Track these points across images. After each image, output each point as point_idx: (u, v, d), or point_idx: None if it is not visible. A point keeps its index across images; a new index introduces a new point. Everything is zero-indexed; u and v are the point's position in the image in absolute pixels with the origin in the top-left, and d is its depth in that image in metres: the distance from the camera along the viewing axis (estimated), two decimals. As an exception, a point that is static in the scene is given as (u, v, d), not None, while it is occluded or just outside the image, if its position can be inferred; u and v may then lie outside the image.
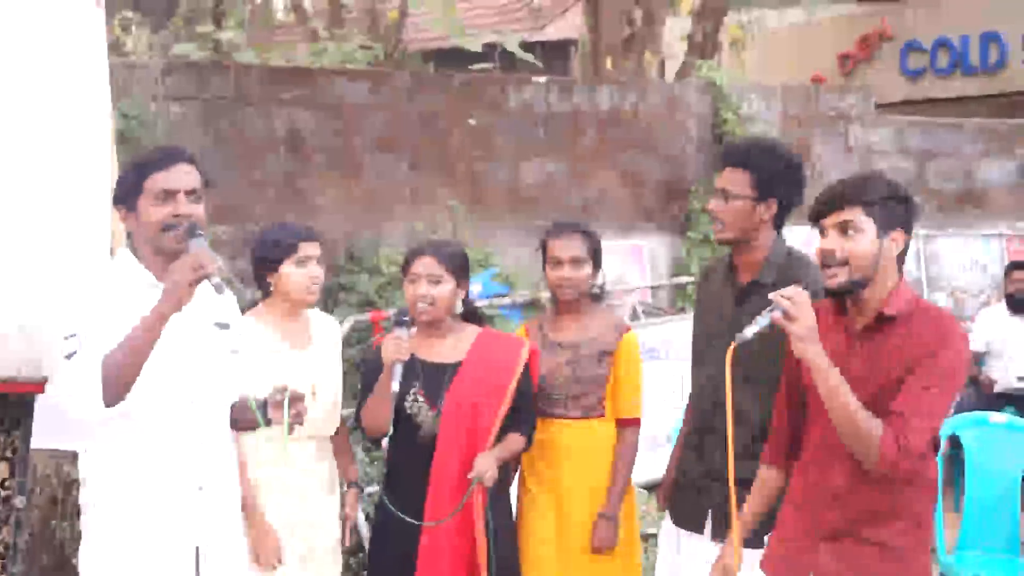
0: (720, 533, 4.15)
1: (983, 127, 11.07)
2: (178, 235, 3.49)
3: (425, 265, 4.46)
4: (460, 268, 4.53)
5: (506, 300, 8.31)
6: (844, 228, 3.36)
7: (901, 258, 3.43)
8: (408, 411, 4.42)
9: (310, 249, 4.47)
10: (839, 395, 3.32)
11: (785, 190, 4.15)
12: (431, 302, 4.45)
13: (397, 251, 8.46)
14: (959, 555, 6.00)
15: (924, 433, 3.26)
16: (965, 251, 10.51)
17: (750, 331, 3.51)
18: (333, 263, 8.31)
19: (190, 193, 3.54)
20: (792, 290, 3.40)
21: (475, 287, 8.25)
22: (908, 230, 3.42)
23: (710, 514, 4.22)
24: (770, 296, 3.43)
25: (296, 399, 3.61)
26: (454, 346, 4.55)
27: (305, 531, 4.44)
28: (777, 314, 3.41)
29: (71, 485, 5.83)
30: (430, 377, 4.46)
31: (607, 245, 8.37)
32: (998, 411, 7.26)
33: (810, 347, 3.35)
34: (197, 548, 3.58)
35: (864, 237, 3.35)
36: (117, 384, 3.36)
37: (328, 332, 4.64)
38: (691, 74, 10.85)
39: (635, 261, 9.37)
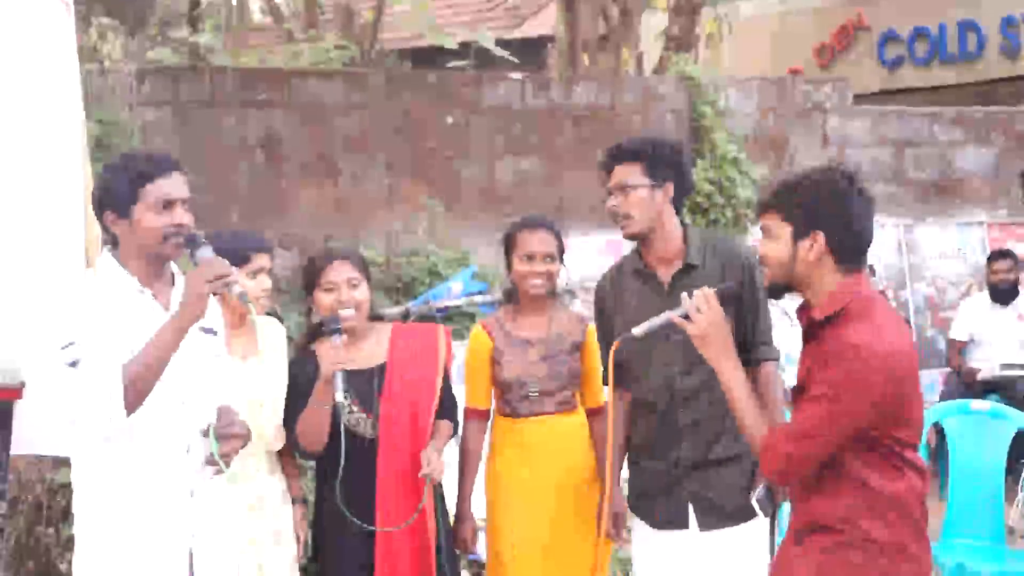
0: (707, 523, 4.19)
1: (961, 115, 11.07)
2: (179, 243, 3.49)
3: (343, 271, 4.41)
4: (367, 268, 4.51)
5: (487, 298, 8.28)
6: (766, 232, 3.40)
7: (842, 253, 3.33)
8: (346, 423, 4.33)
9: (262, 260, 4.40)
10: (733, 401, 3.42)
11: (675, 172, 4.29)
12: (355, 307, 4.39)
13: (375, 252, 8.43)
14: (944, 543, 6.01)
15: (804, 445, 3.24)
16: (945, 240, 10.52)
17: (641, 329, 3.66)
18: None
19: (184, 202, 3.56)
20: (701, 291, 3.48)
21: (456, 286, 8.23)
22: (835, 227, 3.30)
23: (691, 508, 4.23)
24: (682, 296, 3.50)
25: (233, 434, 3.58)
26: (373, 349, 4.50)
27: (262, 547, 4.36)
28: (676, 314, 3.52)
29: (56, 491, 5.80)
30: (359, 384, 4.39)
31: (585, 241, 8.38)
32: (982, 399, 7.26)
33: (708, 349, 3.45)
34: (191, 552, 3.56)
35: (778, 242, 3.35)
36: (138, 395, 3.39)
37: (275, 340, 4.53)
38: (668, 69, 10.83)
39: (612, 257, 9.34)
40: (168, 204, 3.50)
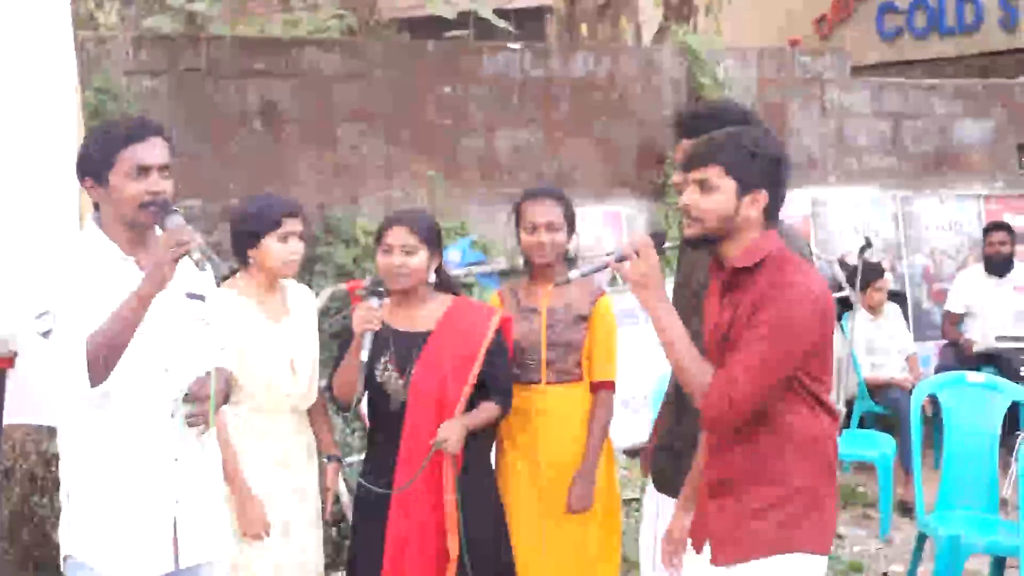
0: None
1: (959, 88, 11.06)
2: (154, 212, 3.47)
3: (398, 235, 4.46)
4: (433, 238, 4.53)
5: (484, 268, 8.29)
6: (702, 185, 3.41)
7: (770, 212, 3.43)
8: (378, 380, 4.44)
9: (293, 225, 4.46)
10: (672, 346, 3.42)
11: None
12: (405, 272, 4.44)
13: (373, 221, 8.42)
14: (938, 514, 6.04)
15: (748, 387, 3.26)
16: (942, 212, 10.51)
17: (576, 273, 3.71)
18: (309, 234, 8.26)
19: (163, 168, 3.51)
20: (636, 235, 3.52)
21: (454, 255, 8.24)
22: (773, 187, 3.41)
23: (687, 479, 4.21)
24: (620, 240, 3.56)
25: (200, 397, 3.57)
26: (426, 316, 4.55)
27: (285, 503, 4.44)
28: (611, 258, 3.53)
29: (51, 461, 5.82)
30: (401, 346, 4.47)
31: (584, 212, 8.37)
32: (977, 371, 7.28)
33: (642, 292, 3.46)
34: (175, 519, 3.57)
35: (718, 195, 3.39)
36: (102, 364, 3.36)
37: (304, 303, 4.64)
38: (667, 39, 10.80)
39: (613, 227, 9.35)
40: (143, 170, 3.48)
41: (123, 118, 3.87)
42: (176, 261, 3.37)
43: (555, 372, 4.69)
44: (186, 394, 3.55)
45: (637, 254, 3.45)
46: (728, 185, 3.38)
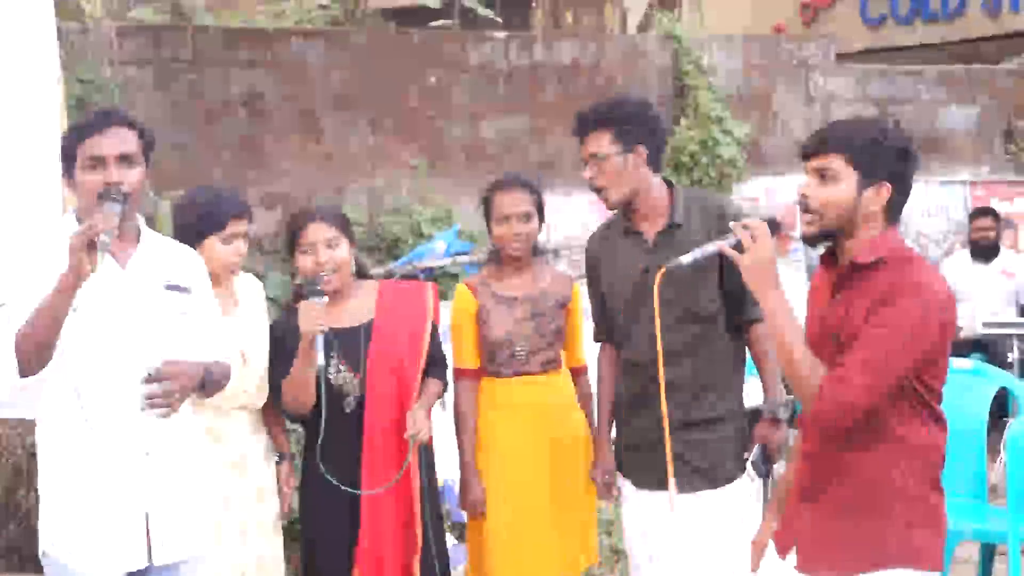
0: (686, 485, 4.15)
1: (943, 74, 11.07)
2: (100, 200, 3.42)
3: (320, 231, 4.35)
4: (348, 228, 4.45)
5: (472, 257, 8.27)
6: (822, 174, 3.25)
7: (892, 207, 3.27)
8: (333, 382, 4.33)
9: (238, 227, 4.32)
10: (784, 338, 3.24)
11: (646, 132, 4.22)
12: (335, 267, 4.35)
13: (359, 211, 8.41)
14: (926, 501, 6.02)
15: (863, 388, 3.11)
16: (928, 197, 10.52)
17: (688, 257, 3.52)
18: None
19: (122, 158, 3.46)
20: (753, 221, 3.34)
21: (440, 245, 8.20)
22: (898, 181, 3.24)
23: (671, 468, 4.16)
24: (731, 224, 3.42)
25: (170, 375, 3.52)
26: (360, 306, 4.46)
27: (244, 505, 4.35)
28: (727, 243, 3.37)
29: (35, 454, 5.80)
30: (346, 343, 4.37)
31: (569, 199, 8.36)
32: (964, 358, 7.28)
33: (758, 281, 3.29)
34: (147, 514, 3.54)
35: (840, 186, 3.22)
36: (30, 356, 3.34)
37: (253, 295, 4.50)
38: (653, 27, 10.79)
39: (598, 215, 9.34)
40: (99, 161, 3.44)
41: (94, 111, 3.81)
42: (84, 248, 3.25)
43: (540, 362, 4.65)
44: (149, 374, 3.50)
45: (753, 240, 3.31)
46: (850, 175, 3.21)
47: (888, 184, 3.22)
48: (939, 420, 3.28)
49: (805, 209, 3.28)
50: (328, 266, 4.33)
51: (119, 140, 3.48)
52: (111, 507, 3.50)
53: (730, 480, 4.18)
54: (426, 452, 4.52)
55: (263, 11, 10.92)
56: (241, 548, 4.32)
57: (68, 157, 3.51)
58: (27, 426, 5.79)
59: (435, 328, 4.55)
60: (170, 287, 3.61)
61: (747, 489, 4.23)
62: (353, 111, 8.78)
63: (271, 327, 4.46)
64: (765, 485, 4.23)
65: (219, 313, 3.99)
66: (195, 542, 3.70)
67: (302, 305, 4.24)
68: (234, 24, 9.49)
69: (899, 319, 3.10)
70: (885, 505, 3.22)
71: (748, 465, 3.97)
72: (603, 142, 4.21)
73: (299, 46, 8.66)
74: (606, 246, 4.46)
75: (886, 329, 3.11)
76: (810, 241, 3.33)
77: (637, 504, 4.38)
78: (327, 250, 4.34)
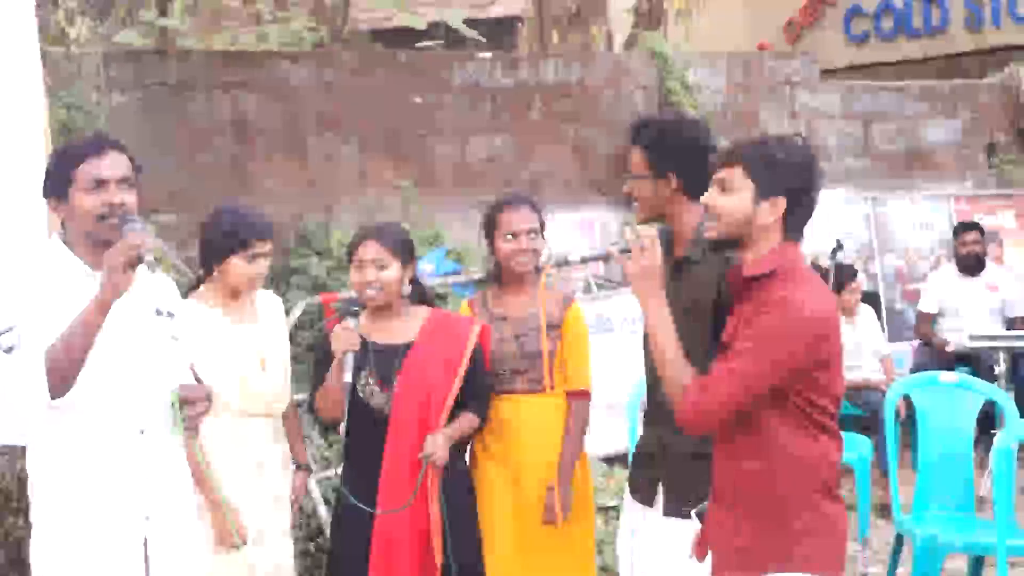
0: (672, 509, 4.12)
1: (926, 89, 11.14)
2: (113, 224, 3.46)
3: (370, 250, 4.46)
4: (405, 250, 4.54)
5: (460, 278, 8.29)
6: (723, 185, 3.37)
7: (790, 222, 3.37)
8: (360, 395, 4.43)
9: (260, 247, 4.46)
10: (656, 343, 3.40)
11: (681, 163, 4.03)
12: (379, 287, 4.45)
13: (347, 232, 8.40)
14: (915, 514, 6.05)
15: (724, 396, 3.25)
16: (913, 212, 10.57)
17: (576, 257, 3.70)
18: (283, 246, 8.26)
19: (122, 181, 3.50)
20: (643, 228, 3.52)
21: (427, 266, 8.23)
22: (795, 196, 3.35)
23: (661, 488, 4.14)
24: (624, 230, 3.51)
25: (195, 399, 3.56)
26: (404, 328, 4.55)
27: (258, 512, 4.42)
28: (614, 248, 3.51)
29: (25, 481, 5.77)
30: (381, 360, 4.47)
31: (557, 218, 8.38)
32: (951, 371, 7.31)
33: (640, 285, 3.44)
34: (145, 537, 3.55)
35: (735, 197, 3.35)
36: (62, 375, 3.35)
37: (272, 308, 4.66)
38: (638, 46, 10.84)
39: (587, 234, 9.37)
40: (100, 183, 3.47)
41: (83, 136, 3.86)
42: (128, 266, 3.34)
43: (527, 382, 4.68)
44: (181, 397, 3.53)
45: (641, 248, 3.44)
46: (748, 187, 3.33)
47: (783, 199, 3.33)
48: (829, 432, 3.36)
49: (708, 215, 3.43)
50: (373, 285, 4.44)
51: (118, 163, 3.53)
52: (109, 531, 3.51)
53: None
54: (457, 477, 4.56)
55: (249, 33, 10.96)
56: (259, 550, 4.39)
57: (61, 180, 3.52)
58: (16, 452, 5.77)
59: (481, 363, 4.60)
60: (160, 312, 3.64)
61: None
62: (339, 132, 8.80)
63: (317, 337, 4.61)
64: None
65: (218, 330, 4.08)
66: (192, 562, 3.72)
67: (336, 325, 4.40)
68: (219, 47, 9.51)
69: (760, 333, 3.23)
70: (775, 513, 3.33)
71: (693, 514, 3.94)
72: (639, 161, 4.09)
73: (285, 68, 8.68)
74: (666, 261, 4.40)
75: (751, 343, 3.24)
76: (714, 247, 3.48)
77: (630, 511, 4.37)
78: (375, 270, 4.45)
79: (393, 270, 4.48)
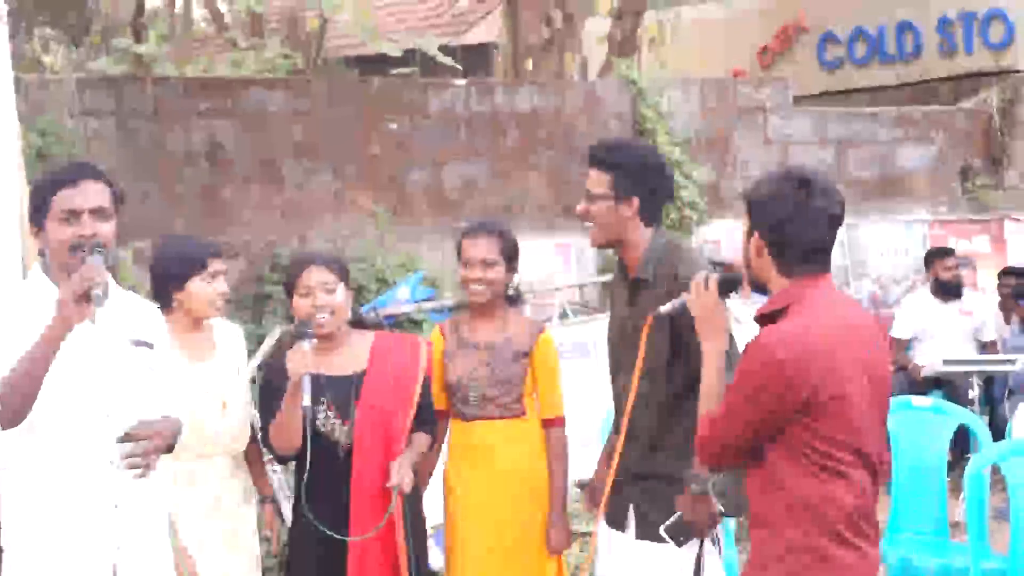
0: (645, 532, 4.12)
1: (900, 115, 11.21)
2: (83, 256, 3.42)
3: (315, 276, 4.39)
4: (346, 273, 4.51)
5: (435, 304, 8.29)
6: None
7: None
8: (321, 428, 4.36)
9: (218, 265, 4.41)
10: (704, 380, 3.51)
11: (644, 188, 4.06)
12: (331, 312, 4.39)
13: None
14: (889, 538, 6.06)
15: (718, 434, 3.32)
16: (887, 237, 10.62)
17: (666, 308, 3.77)
18: (257, 273, 8.26)
19: (96, 212, 3.46)
20: (703, 275, 3.57)
21: (403, 292, 8.23)
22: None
23: (631, 512, 4.15)
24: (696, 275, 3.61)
25: (140, 437, 3.49)
26: (354, 355, 4.50)
27: (218, 549, 4.34)
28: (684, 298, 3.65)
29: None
30: (337, 390, 4.40)
31: (533, 244, 8.40)
32: (925, 395, 7.34)
33: (701, 327, 3.57)
34: (114, 566, 3.52)
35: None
36: (14, 405, 3.32)
37: (231, 339, 4.55)
38: (611, 73, 10.89)
39: (562, 260, 9.39)
40: (73, 214, 3.44)
41: (64, 163, 3.83)
42: (80, 299, 3.28)
43: (497, 408, 4.65)
44: (126, 433, 3.49)
45: (697, 295, 3.56)
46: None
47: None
48: (845, 476, 3.24)
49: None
50: (324, 310, 4.37)
51: (93, 193, 3.48)
52: (79, 560, 3.47)
53: (683, 542, 4.09)
54: (413, 501, 4.52)
55: (224, 60, 10.98)
56: None
57: (38, 207, 3.51)
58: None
59: (428, 381, 4.58)
60: (137, 343, 3.61)
61: (707, 553, 4.16)
62: (314, 159, 8.81)
63: (263, 368, 4.53)
64: (700, 551, 4.13)
65: (175, 369, 4.01)
66: None
67: (292, 349, 4.29)
68: (194, 74, 9.53)
69: (737, 377, 3.26)
70: (775, 551, 3.27)
71: (661, 530, 3.93)
72: (601, 183, 4.10)
73: (260, 95, 8.69)
74: (612, 286, 4.43)
75: (730, 388, 3.32)
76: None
77: (604, 537, 4.36)
78: (324, 295, 4.38)
79: (340, 293, 4.43)
